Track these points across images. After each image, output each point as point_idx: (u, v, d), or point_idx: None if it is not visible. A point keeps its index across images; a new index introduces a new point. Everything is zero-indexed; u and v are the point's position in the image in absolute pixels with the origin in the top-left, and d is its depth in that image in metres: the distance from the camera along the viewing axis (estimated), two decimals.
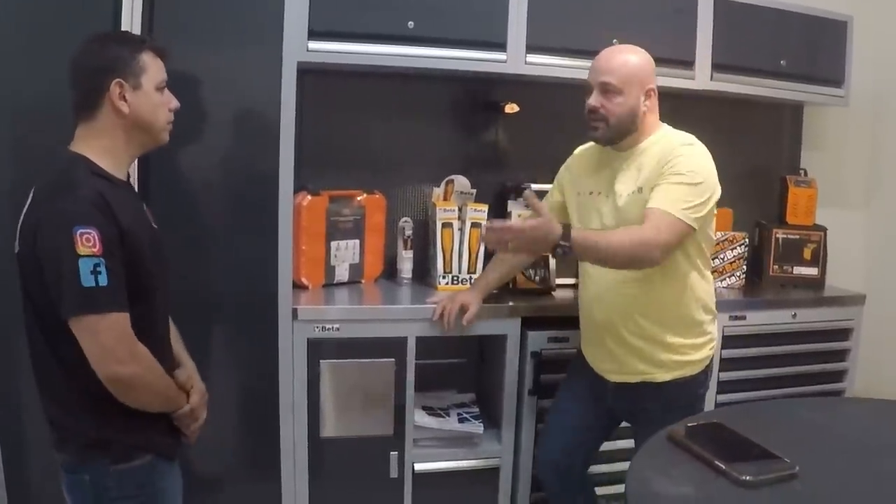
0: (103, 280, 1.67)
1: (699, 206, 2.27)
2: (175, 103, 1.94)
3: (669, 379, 2.43)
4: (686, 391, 2.47)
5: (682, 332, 2.43)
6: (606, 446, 2.75)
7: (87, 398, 1.77)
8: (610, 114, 2.35)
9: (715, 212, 2.41)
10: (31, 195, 1.79)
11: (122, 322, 1.73)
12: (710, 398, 3.06)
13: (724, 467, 1.64)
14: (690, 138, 2.40)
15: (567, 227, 2.18)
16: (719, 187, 2.35)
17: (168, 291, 1.97)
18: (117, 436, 1.81)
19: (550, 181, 2.74)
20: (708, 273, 2.50)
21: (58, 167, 1.80)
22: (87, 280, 1.66)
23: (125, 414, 1.79)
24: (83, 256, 1.66)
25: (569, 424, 2.68)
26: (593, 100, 2.37)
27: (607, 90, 2.35)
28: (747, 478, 1.60)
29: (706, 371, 2.51)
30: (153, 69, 1.86)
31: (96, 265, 1.67)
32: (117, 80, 1.80)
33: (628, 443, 2.74)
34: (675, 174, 2.28)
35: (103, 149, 1.82)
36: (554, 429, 2.73)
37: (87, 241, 1.66)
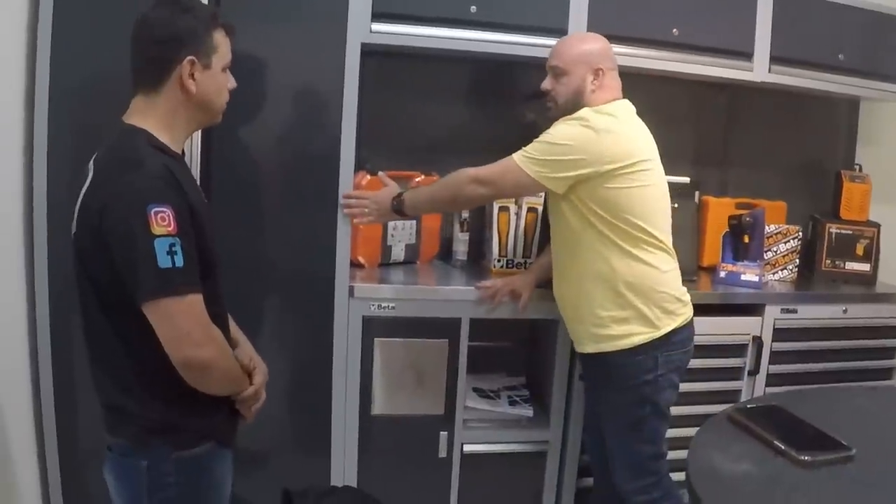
0: (179, 261, 1.58)
1: (550, 164, 2.35)
2: (233, 83, 1.85)
3: (594, 351, 2.48)
4: (628, 372, 2.42)
5: (602, 303, 2.43)
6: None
7: (153, 381, 1.69)
8: (558, 94, 2.51)
9: (645, 183, 2.37)
10: (90, 172, 1.69)
11: (198, 304, 1.64)
12: (759, 390, 3.09)
13: (783, 447, 1.67)
14: (584, 112, 2.39)
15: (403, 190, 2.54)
16: (603, 163, 2.31)
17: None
18: (182, 421, 1.74)
19: None
20: (639, 252, 2.39)
21: (116, 141, 1.71)
22: (164, 261, 1.57)
23: (191, 398, 1.71)
24: (159, 236, 1.56)
25: (590, 409, 2.76)
26: (545, 83, 2.55)
27: (556, 73, 2.51)
28: (806, 458, 1.63)
29: (654, 357, 2.41)
30: (223, 49, 1.78)
31: (172, 245, 1.58)
32: (190, 57, 1.70)
33: (682, 431, 2.62)
34: (544, 134, 2.40)
35: (162, 123, 1.73)
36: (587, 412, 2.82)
37: (162, 220, 1.57)
